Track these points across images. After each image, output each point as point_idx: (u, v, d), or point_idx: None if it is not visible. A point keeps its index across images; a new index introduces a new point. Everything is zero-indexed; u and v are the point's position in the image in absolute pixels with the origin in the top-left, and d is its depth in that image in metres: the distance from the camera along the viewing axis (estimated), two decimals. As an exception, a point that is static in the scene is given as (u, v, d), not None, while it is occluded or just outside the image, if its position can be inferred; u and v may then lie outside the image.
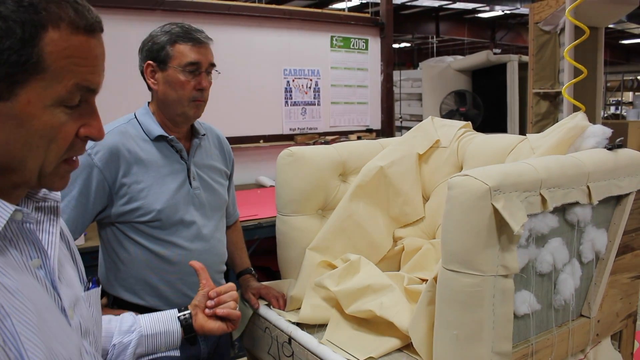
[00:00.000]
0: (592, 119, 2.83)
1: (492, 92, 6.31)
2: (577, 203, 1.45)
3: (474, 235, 1.23)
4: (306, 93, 4.74)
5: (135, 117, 1.75)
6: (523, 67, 5.96)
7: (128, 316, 1.25)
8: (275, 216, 2.00)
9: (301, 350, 1.68)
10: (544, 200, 1.33)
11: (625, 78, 16.75)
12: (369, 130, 4.90)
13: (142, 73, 1.73)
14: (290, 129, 4.63)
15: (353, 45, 4.91)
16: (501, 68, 6.21)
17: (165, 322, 1.26)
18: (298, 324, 1.82)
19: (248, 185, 4.24)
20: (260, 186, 4.19)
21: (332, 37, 4.76)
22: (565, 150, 1.66)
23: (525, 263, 1.37)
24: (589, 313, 1.60)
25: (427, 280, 1.51)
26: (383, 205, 1.96)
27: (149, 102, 1.78)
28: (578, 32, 3.46)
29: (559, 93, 4.50)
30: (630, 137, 7.69)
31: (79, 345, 0.81)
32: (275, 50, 4.42)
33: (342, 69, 4.88)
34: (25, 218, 0.76)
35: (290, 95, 4.65)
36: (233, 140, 4.09)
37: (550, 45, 4.63)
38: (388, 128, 4.99)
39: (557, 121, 4.54)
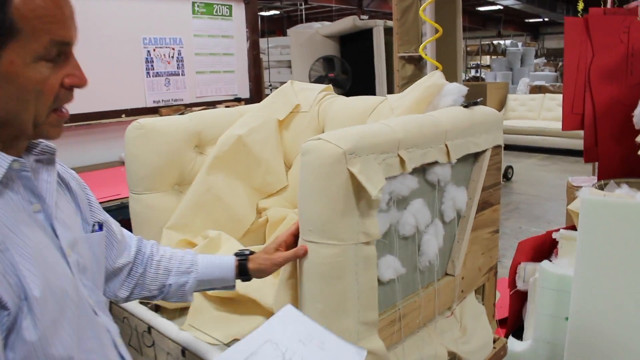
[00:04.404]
0: (454, 81, 2.89)
1: (360, 57, 6.36)
2: (436, 162, 1.42)
3: (331, 202, 1.15)
4: (169, 63, 4.48)
5: None
6: (389, 32, 6.03)
7: (188, 256, 1.28)
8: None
9: (161, 339, 1.55)
10: (402, 162, 1.28)
11: (482, 43, 17.75)
12: (238, 100, 4.74)
13: None
14: (154, 102, 4.36)
15: (216, 12, 4.70)
16: (368, 33, 6.26)
17: (221, 268, 1.28)
18: (158, 310, 1.68)
19: (111, 163, 3.96)
20: (124, 163, 3.93)
21: (193, 4, 4.52)
22: (423, 109, 1.63)
23: (387, 227, 1.32)
24: (454, 271, 1.60)
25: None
26: (244, 176, 1.85)
27: None
28: (436, -5, 3.54)
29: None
30: (489, 98, 8.12)
31: (74, 279, 0.91)
32: (133, 18, 4.10)
33: (206, 37, 4.66)
34: (22, 167, 0.86)
35: (152, 65, 4.37)
36: (93, 115, 3.78)
37: (413, 9, 4.69)
38: (257, 96, 4.86)
39: (422, 84, 4.65)
